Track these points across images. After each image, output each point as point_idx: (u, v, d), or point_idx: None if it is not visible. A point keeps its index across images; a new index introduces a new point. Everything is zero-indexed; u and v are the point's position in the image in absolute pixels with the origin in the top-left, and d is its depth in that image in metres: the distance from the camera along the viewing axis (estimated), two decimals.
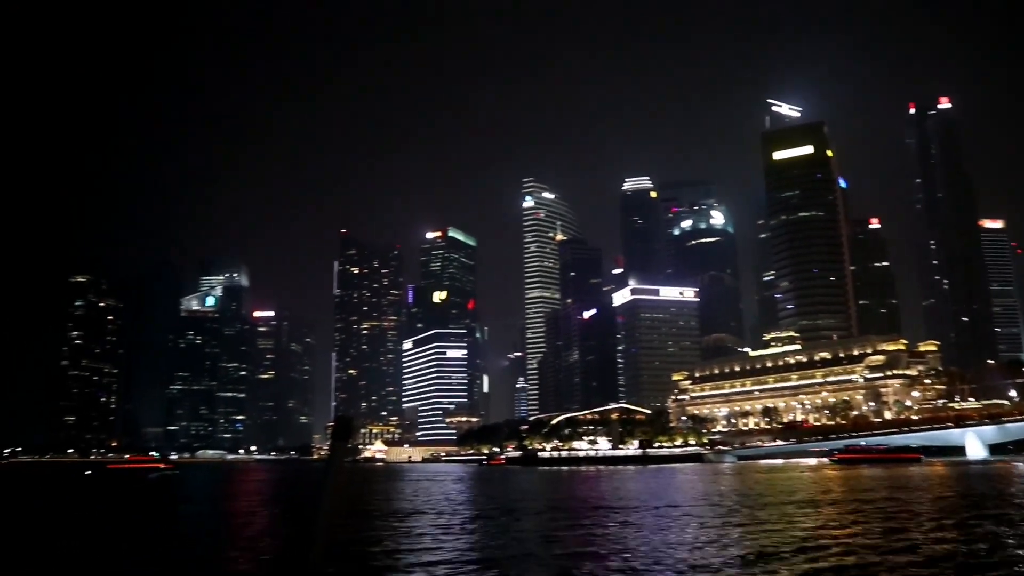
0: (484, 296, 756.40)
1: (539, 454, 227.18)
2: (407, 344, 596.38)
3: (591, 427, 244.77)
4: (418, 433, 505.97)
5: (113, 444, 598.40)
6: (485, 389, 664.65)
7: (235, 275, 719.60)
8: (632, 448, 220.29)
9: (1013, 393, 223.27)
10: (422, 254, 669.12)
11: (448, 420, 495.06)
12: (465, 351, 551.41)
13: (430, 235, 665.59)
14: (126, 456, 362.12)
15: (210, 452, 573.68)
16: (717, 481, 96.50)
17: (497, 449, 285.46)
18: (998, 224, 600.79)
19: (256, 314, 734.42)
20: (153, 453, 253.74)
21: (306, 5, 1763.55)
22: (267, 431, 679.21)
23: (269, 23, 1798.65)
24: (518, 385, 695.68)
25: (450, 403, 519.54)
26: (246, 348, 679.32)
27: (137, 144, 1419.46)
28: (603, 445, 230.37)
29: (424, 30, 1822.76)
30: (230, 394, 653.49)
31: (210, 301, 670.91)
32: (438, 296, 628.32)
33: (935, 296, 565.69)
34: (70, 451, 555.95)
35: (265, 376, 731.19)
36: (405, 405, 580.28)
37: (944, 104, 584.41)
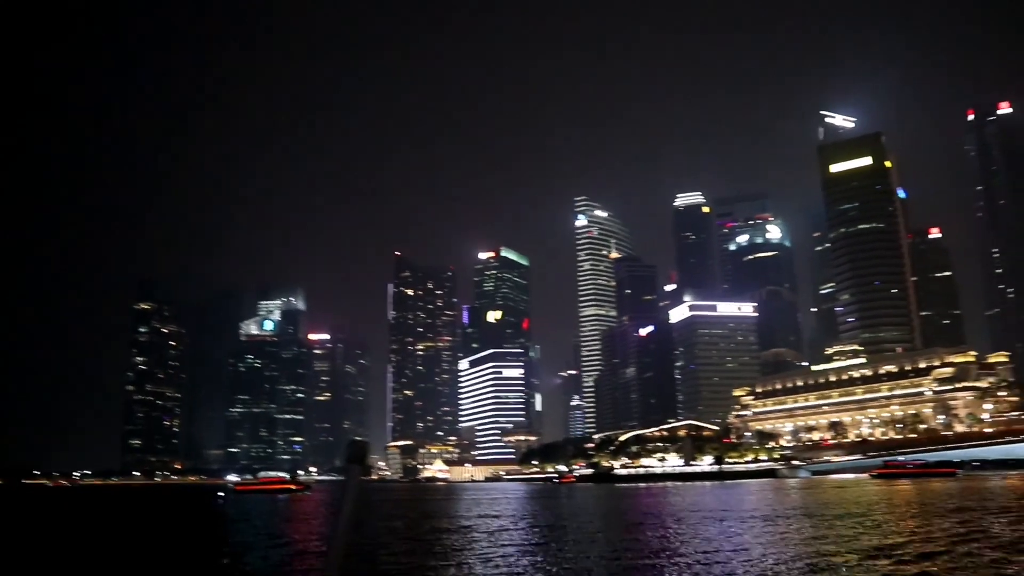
0: (537, 315, 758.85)
1: (610, 471, 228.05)
2: (463, 364, 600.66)
3: (659, 444, 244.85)
4: (475, 452, 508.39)
5: (177, 466, 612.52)
6: (538, 407, 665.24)
7: (292, 299, 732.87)
8: (704, 464, 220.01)
9: None
10: (475, 274, 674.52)
11: (506, 439, 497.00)
12: (521, 370, 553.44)
13: (483, 255, 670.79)
14: (252, 476, 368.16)
15: (271, 473, 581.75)
16: (811, 493, 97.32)
17: (564, 467, 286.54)
18: None
19: (312, 337, 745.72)
20: (283, 474, 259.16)
21: (358, 33, 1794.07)
22: (324, 452, 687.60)
23: (326, 51, 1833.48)
24: (573, 403, 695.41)
25: (507, 422, 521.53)
26: (303, 371, 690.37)
27: (197, 174, 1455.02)
28: (672, 461, 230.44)
29: (476, 52, 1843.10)
30: (288, 416, 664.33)
31: (268, 325, 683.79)
32: (493, 316, 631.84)
33: (1000, 305, 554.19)
34: (136, 474, 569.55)
35: (321, 398, 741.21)
36: (462, 425, 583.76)
37: (1004, 109, 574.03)
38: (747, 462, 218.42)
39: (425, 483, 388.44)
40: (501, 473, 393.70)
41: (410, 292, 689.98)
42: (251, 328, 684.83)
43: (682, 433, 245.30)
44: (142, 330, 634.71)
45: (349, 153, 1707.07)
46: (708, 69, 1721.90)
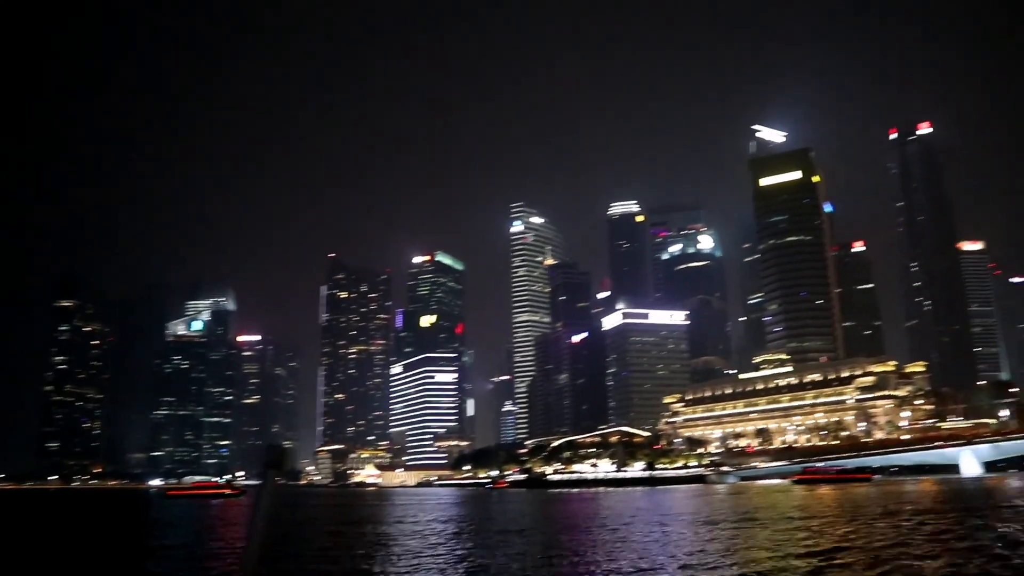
0: (471, 320, 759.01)
1: (543, 477, 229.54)
2: (396, 368, 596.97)
3: (591, 450, 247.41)
4: (407, 457, 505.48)
5: (96, 470, 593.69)
6: (471, 413, 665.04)
7: (222, 299, 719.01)
8: (635, 470, 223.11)
9: (1003, 413, 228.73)
10: (410, 278, 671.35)
11: (438, 444, 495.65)
12: (454, 375, 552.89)
13: (418, 259, 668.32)
14: (191, 481, 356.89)
15: (197, 478, 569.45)
16: (734, 499, 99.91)
17: (496, 473, 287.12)
18: (977, 246, 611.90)
19: (241, 338, 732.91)
20: (217, 479, 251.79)
21: (294, 31, 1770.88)
22: (252, 456, 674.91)
23: (260, 46, 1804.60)
24: (505, 408, 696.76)
25: (439, 427, 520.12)
26: (231, 373, 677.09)
27: (124, 167, 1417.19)
28: (604, 467, 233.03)
29: (414, 56, 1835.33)
30: (215, 419, 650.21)
31: (196, 325, 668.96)
32: (427, 320, 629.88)
33: (918, 317, 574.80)
34: (52, 477, 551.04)
35: (250, 401, 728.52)
36: (393, 429, 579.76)
37: (924, 129, 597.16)
38: (677, 468, 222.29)
39: (355, 488, 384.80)
40: (433, 479, 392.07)
41: (344, 295, 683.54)
42: (178, 328, 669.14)
43: (614, 439, 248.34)
44: (63, 328, 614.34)
45: (285, 153, 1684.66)
46: (646, 81, 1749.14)
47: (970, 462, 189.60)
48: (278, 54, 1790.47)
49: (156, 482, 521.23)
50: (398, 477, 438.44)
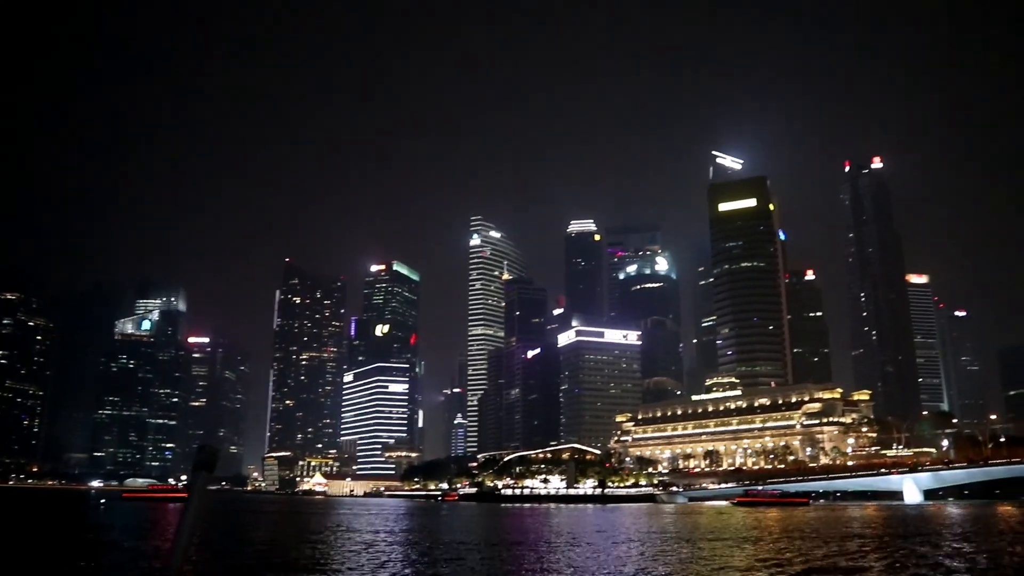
0: (424, 331, 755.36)
1: (495, 491, 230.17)
2: (348, 377, 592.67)
3: (543, 465, 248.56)
4: (356, 467, 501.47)
5: (34, 469, 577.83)
6: (420, 424, 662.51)
7: (173, 299, 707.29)
8: (586, 487, 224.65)
9: (944, 443, 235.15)
10: (365, 287, 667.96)
11: (388, 455, 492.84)
12: (406, 386, 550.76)
13: (374, 268, 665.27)
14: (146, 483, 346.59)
15: (140, 481, 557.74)
16: (679, 519, 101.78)
17: (446, 485, 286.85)
18: (923, 279, 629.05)
19: (191, 340, 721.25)
20: (172, 481, 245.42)
21: (255, 33, 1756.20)
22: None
23: (221, 47, 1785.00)
24: (456, 421, 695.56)
25: (389, 438, 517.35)
26: (179, 374, 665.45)
27: (77, 160, 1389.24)
28: (555, 483, 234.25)
29: (377, 65, 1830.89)
30: (160, 420, 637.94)
31: (145, 325, 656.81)
32: (381, 329, 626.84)
33: (864, 346, 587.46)
34: None
35: (197, 404, 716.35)
36: (343, 438, 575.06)
37: (877, 164, 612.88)
38: (628, 487, 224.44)
39: (302, 496, 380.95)
40: (381, 488, 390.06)
41: (298, 300, 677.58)
42: (127, 327, 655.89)
43: (566, 456, 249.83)
44: (5, 321, 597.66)
45: (243, 155, 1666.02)
46: (608, 104, 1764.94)
47: (911, 490, 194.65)
48: (239, 56, 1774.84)
49: (96, 483, 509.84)
50: (346, 486, 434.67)
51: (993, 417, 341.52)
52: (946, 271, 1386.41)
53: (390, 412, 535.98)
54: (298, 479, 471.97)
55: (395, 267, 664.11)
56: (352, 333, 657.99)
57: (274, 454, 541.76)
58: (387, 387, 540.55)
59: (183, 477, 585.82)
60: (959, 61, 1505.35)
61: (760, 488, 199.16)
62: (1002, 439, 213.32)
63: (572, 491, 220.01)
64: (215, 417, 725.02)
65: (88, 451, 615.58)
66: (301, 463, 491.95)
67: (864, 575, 36.62)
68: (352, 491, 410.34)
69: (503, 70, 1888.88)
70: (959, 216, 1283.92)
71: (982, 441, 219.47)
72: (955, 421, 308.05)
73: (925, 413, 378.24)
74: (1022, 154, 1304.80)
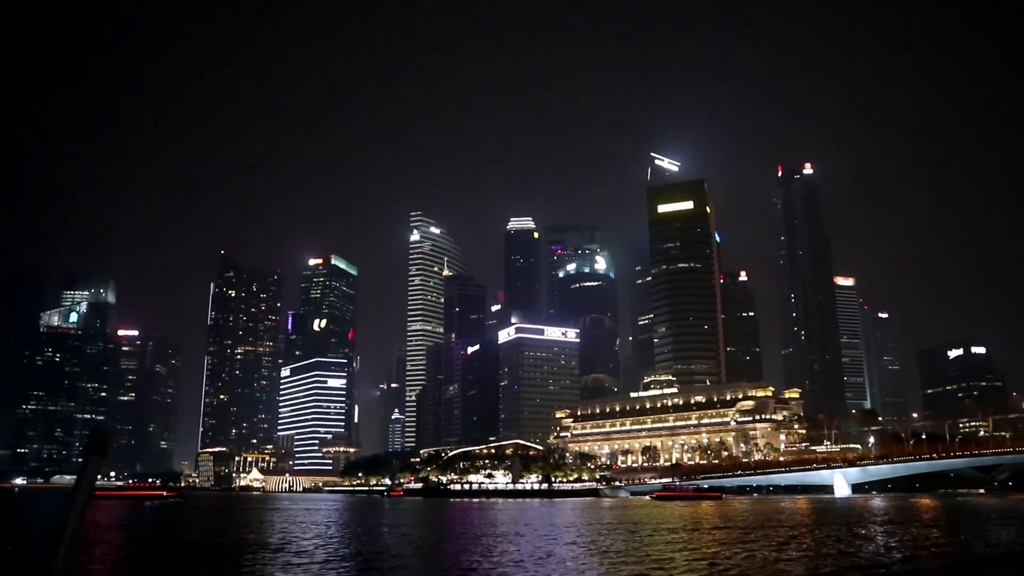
0: (361, 325, 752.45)
1: (441, 487, 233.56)
2: (285, 371, 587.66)
3: (487, 461, 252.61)
4: (293, 462, 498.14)
5: None
6: (356, 419, 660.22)
7: (102, 291, 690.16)
8: (530, 482, 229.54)
9: (870, 439, 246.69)
10: (303, 280, 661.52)
11: (325, 450, 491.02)
12: (344, 381, 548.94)
13: (312, 262, 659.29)
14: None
15: (67, 477, 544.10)
16: (620, 511, 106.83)
17: (387, 480, 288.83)
18: (850, 282, 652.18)
19: (120, 333, 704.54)
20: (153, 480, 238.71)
21: (186, 20, 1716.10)
22: (124, 456, 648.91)
23: (148, 34, 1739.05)
24: (393, 416, 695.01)
25: (327, 433, 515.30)
26: (108, 368, 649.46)
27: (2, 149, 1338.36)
28: (499, 479, 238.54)
29: (316, 56, 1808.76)
30: (88, 416, 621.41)
31: (73, 317, 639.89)
32: (318, 324, 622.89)
33: (793, 346, 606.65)
34: None
35: (126, 398, 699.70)
36: (280, 433, 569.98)
37: (808, 169, 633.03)
38: (572, 481, 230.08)
39: (239, 492, 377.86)
40: (321, 484, 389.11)
41: (233, 293, 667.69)
42: (53, 319, 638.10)
43: (510, 451, 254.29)
44: None
45: (177, 144, 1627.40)
46: (550, 102, 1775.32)
47: (840, 483, 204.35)
48: (170, 44, 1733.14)
49: (19, 481, 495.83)
50: (285, 482, 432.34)
51: (915, 415, 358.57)
52: (872, 274, 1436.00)
53: (328, 407, 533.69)
54: (234, 475, 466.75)
55: (333, 261, 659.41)
56: (289, 327, 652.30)
57: (209, 449, 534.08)
58: (325, 382, 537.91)
59: (112, 473, 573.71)
60: (888, 69, 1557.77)
61: (678, 484, 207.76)
62: (923, 436, 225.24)
63: (518, 486, 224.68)
64: (145, 412, 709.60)
65: (11, 447, 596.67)
66: (237, 459, 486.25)
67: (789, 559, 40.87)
68: (291, 487, 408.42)
69: (444, 68, 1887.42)
70: (886, 221, 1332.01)
71: (904, 438, 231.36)
72: (880, 419, 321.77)
73: (854, 412, 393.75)
74: (946, 160, 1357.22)
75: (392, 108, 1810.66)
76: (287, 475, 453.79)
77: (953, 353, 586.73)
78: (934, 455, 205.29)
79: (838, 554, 42.67)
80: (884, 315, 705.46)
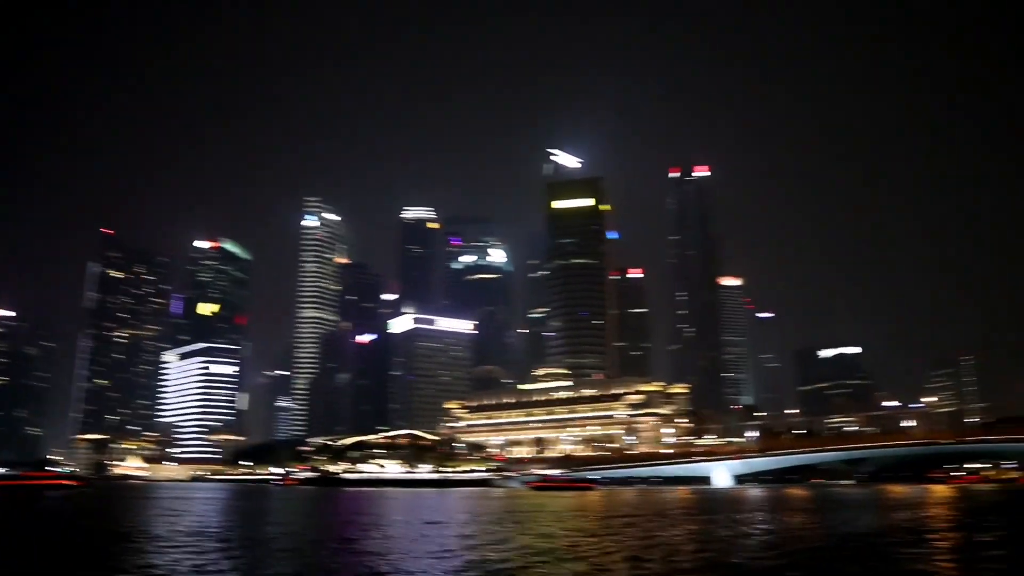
0: (252, 311, 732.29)
1: (334, 476, 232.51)
2: (170, 356, 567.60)
3: (380, 450, 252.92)
4: (177, 450, 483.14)
5: None
6: (243, 407, 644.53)
7: None
8: (424, 472, 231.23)
9: (751, 433, 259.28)
10: (192, 263, 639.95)
11: (212, 438, 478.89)
12: (233, 367, 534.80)
13: (202, 244, 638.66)
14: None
15: None
16: (506, 502, 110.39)
17: (277, 469, 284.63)
18: (736, 282, 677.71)
19: None
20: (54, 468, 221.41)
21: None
22: None
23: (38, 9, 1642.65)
24: (281, 404, 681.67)
25: (214, 420, 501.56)
26: None
27: None
28: (392, 468, 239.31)
29: (213, 35, 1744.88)
30: None
31: None
32: (208, 308, 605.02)
33: (680, 342, 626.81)
34: None
35: None
36: (163, 420, 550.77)
37: (702, 172, 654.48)
38: (465, 472, 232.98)
39: (119, 481, 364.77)
40: (206, 473, 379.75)
41: (116, 274, 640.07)
42: None
43: (404, 441, 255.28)
44: None
45: (58, 116, 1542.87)
46: (450, 96, 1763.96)
47: (723, 475, 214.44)
48: (64, 18, 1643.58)
49: None
50: (168, 470, 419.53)
51: (795, 412, 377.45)
52: (758, 275, 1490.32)
53: (215, 394, 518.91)
54: (112, 463, 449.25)
55: (224, 244, 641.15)
56: (175, 311, 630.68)
57: (85, 436, 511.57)
58: (213, 368, 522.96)
59: None
60: (785, 76, 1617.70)
61: (555, 474, 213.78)
62: (802, 431, 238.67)
63: (412, 476, 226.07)
64: (14, 396, 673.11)
65: None
66: (116, 446, 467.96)
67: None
68: (175, 476, 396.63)
69: (344, 55, 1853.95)
70: (774, 224, 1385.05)
71: (780, 433, 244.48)
72: (761, 414, 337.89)
73: (737, 407, 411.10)
74: (829, 168, 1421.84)
75: (289, 92, 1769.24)
76: (170, 463, 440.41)
77: (826, 353, 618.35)
78: (809, 449, 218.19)
79: (707, 540, 45.88)
80: (767, 315, 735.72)
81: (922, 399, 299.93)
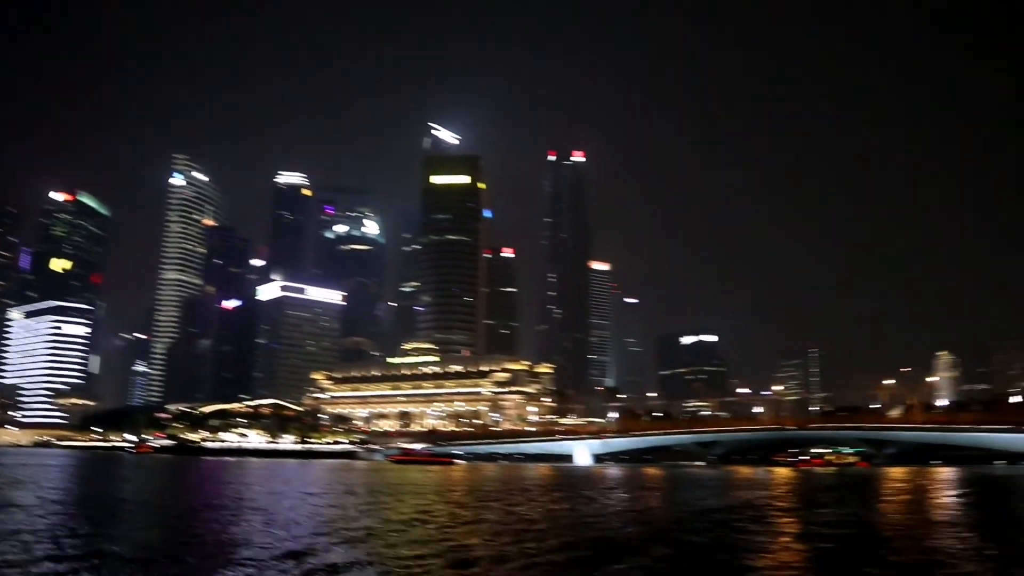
0: (110, 270, 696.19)
1: (193, 444, 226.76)
2: (14, 313, 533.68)
3: (243, 419, 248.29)
4: (19, 414, 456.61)
5: None
6: (95, 370, 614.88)
7: None
8: (287, 442, 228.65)
9: (612, 414, 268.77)
10: (45, 215, 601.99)
11: (59, 402, 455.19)
12: (86, 328, 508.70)
13: (56, 196, 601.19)
14: None
15: None
16: (369, 474, 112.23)
17: (131, 436, 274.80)
18: (605, 267, 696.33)
19: None
20: None
21: None
22: None
23: None
24: (138, 369, 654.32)
25: (63, 383, 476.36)
26: None
27: None
28: (254, 438, 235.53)
29: None
30: None
31: None
32: (60, 265, 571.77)
33: (548, 323, 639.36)
34: None
35: None
36: (4, 382, 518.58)
37: (578, 157, 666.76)
38: (329, 443, 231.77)
39: None
40: (52, 439, 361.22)
41: None
42: None
43: (266, 411, 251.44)
44: None
45: None
46: (333, 59, 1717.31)
47: (583, 453, 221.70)
48: None
49: None
50: (8, 435, 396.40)
51: (655, 395, 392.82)
52: (627, 261, 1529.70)
53: (65, 355, 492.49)
54: None
55: (82, 198, 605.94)
56: (23, 265, 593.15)
57: None
58: (63, 328, 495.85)
59: None
60: (667, 63, 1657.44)
61: (417, 448, 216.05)
62: (660, 413, 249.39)
63: (275, 446, 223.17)
64: None
65: None
66: None
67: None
68: (16, 441, 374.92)
69: (221, 11, 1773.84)
70: (645, 211, 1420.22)
71: (640, 414, 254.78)
72: (622, 396, 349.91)
73: (600, 388, 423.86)
74: (700, 158, 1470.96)
75: (159, 41, 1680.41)
76: (11, 428, 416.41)
77: (686, 340, 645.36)
78: (666, 431, 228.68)
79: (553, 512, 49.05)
80: (632, 300, 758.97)
81: (772, 387, 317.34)
